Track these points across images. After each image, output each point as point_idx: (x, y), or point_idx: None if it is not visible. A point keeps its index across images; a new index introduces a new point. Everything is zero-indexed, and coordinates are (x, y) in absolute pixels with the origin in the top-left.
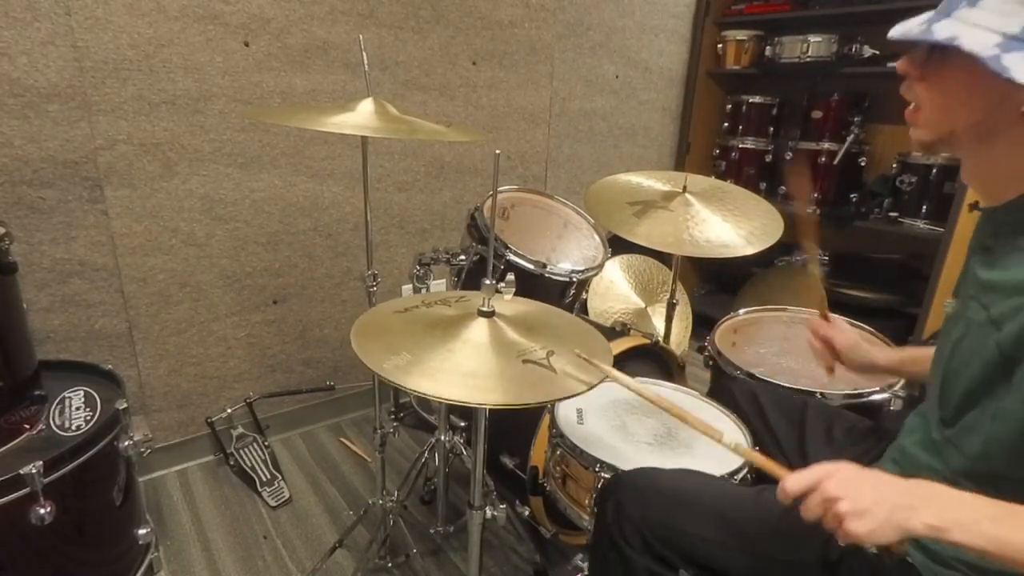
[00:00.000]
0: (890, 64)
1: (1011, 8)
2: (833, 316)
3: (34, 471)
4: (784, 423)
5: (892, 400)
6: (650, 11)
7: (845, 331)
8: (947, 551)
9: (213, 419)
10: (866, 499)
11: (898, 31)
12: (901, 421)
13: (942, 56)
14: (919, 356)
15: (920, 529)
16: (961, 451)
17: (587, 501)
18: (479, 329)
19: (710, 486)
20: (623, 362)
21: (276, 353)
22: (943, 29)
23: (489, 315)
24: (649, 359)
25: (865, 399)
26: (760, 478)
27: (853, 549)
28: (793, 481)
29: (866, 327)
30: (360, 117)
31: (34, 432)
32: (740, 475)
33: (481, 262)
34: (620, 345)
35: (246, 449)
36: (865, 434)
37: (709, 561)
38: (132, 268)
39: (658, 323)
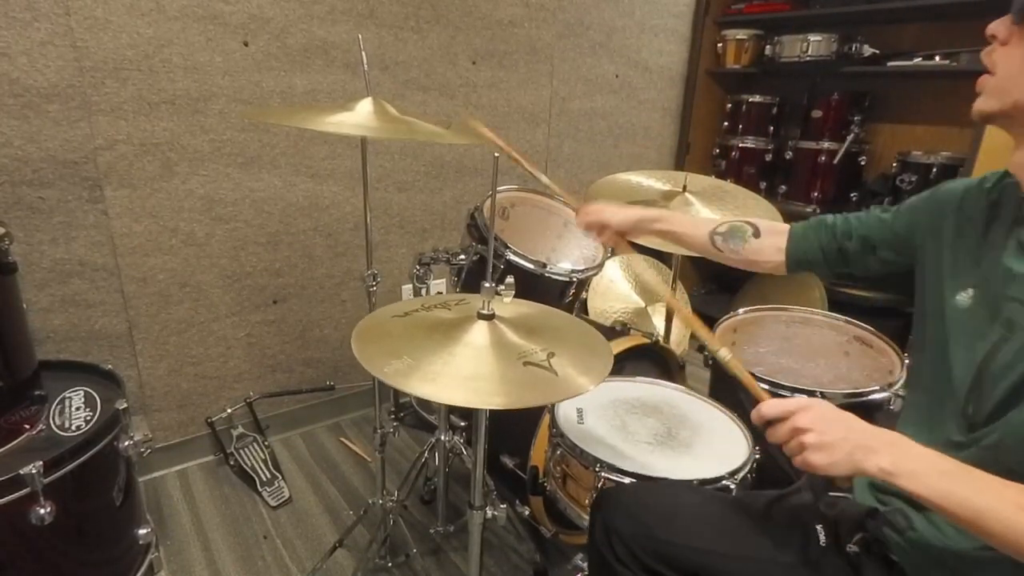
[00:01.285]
0: (890, 63)
1: None
2: (594, 205)
3: (34, 471)
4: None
5: (892, 399)
6: (650, 11)
7: (616, 212)
8: (937, 547)
9: (213, 419)
10: (832, 435)
11: None
12: (894, 421)
13: None
14: (673, 217)
15: (872, 470)
16: (982, 447)
17: (587, 501)
18: (479, 332)
19: (693, 497)
20: (623, 362)
21: (276, 353)
22: None
23: (489, 318)
24: (649, 359)
25: (865, 398)
26: (759, 478)
27: (833, 549)
28: (769, 406)
29: (866, 326)
30: (360, 117)
31: (34, 432)
32: (741, 473)
33: (481, 262)
34: (620, 345)
35: (246, 449)
36: None
37: (696, 569)
38: (132, 268)
39: (658, 323)
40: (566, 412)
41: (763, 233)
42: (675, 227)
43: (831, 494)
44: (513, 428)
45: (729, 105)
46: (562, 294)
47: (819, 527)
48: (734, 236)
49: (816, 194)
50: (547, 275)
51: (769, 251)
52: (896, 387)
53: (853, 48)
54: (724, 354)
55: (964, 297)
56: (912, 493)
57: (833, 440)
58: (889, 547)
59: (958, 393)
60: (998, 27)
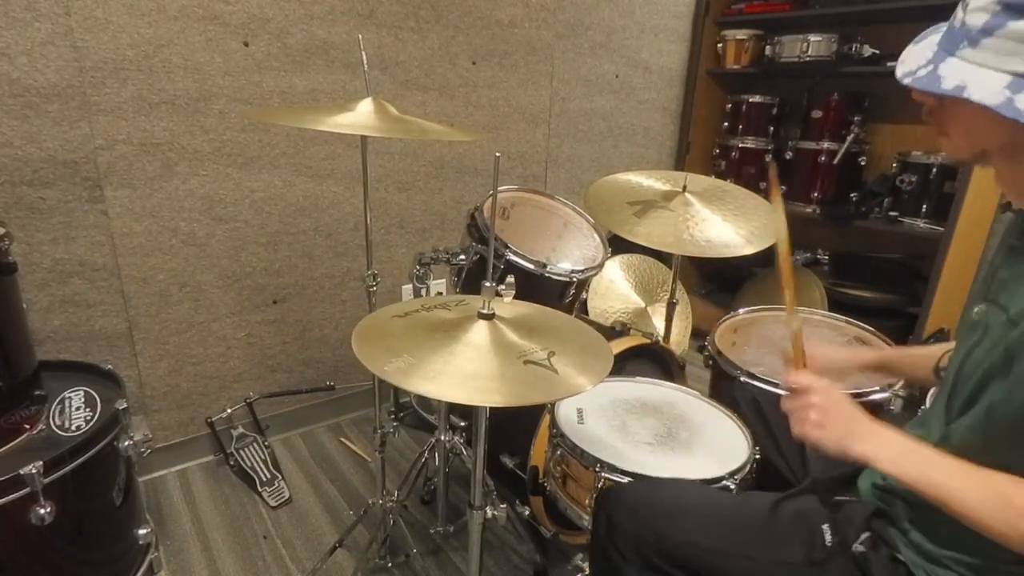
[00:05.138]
0: (890, 63)
1: (1011, 47)
2: (810, 354)
3: (34, 471)
4: (784, 425)
5: (892, 400)
6: (650, 11)
7: (830, 359)
8: (940, 550)
9: (213, 419)
10: (833, 419)
11: (904, 73)
12: (896, 421)
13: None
14: (895, 357)
15: (855, 454)
16: (963, 452)
17: (587, 501)
18: (479, 332)
19: (698, 495)
20: (623, 362)
21: (276, 353)
22: (950, 75)
23: (489, 317)
24: (649, 359)
25: (866, 399)
26: (759, 480)
27: (839, 549)
28: (798, 376)
29: (866, 327)
30: (360, 117)
31: (34, 432)
32: (741, 474)
33: (481, 262)
34: (620, 345)
35: (246, 449)
36: None
37: (700, 567)
38: (132, 268)
39: (658, 323)
40: (566, 412)
41: None
42: (903, 371)
43: (837, 498)
44: (513, 428)
45: (729, 105)
46: (562, 294)
47: (825, 527)
48: None
49: (816, 194)
50: (547, 275)
51: None
52: (896, 387)
53: (853, 48)
54: (796, 324)
55: (979, 311)
56: (894, 477)
57: (832, 424)
58: (896, 547)
59: (943, 396)
60: (923, 97)
